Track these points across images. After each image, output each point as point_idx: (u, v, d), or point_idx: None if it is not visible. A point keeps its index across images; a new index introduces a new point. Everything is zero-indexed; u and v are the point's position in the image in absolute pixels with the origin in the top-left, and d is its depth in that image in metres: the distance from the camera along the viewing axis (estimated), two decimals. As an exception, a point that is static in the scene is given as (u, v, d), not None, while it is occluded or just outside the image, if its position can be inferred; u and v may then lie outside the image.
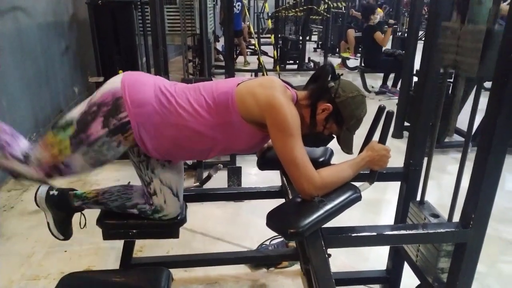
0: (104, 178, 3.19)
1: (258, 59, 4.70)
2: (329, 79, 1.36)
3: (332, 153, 1.59)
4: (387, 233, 1.25)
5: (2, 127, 1.35)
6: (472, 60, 1.22)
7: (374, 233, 1.24)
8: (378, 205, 2.82)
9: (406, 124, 4.04)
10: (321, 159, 1.54)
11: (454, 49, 1.32)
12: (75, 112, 1.34)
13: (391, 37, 6.27)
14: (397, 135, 4.07)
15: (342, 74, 1.41)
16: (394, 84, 5.69)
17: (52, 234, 1.58)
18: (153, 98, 1.29)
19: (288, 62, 7.36)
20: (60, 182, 1.57)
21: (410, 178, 1.67)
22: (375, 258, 2.14)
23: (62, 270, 2.08)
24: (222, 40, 7.46)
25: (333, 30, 7.97)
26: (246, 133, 1.32)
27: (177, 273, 2.06)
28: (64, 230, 1.60)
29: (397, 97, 4.87)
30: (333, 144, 1.45)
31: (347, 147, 1.36)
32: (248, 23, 11.28)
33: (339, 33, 8.18)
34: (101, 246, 2.26)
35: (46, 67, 4.09)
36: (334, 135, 1.40)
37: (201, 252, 2.23)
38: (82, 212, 1.60)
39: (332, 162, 1.57)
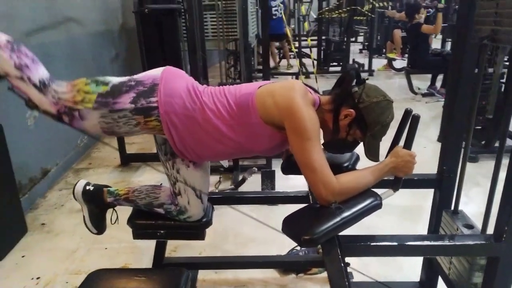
0: (147, 179, 3.33)
1: (300, 61, 4.68)
2: (354, 83, 1.33)
3: (358, 158, 1.55)
4: (408, 243, 1.19)
5: (24, 50, 1.31)
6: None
7: (395, 243, 1.19)
8: (417, 212, 2.69)
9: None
10: (345, 164, 1.51)
11: (491, 18, 1.19)
12: (115, 79, 1.37)
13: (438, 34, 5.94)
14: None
15: (367, 79, 1.38)
16: (444, 85, 5.40)
17: (87, 227, 1.67)
18: (184, 92, 1.34)
19: (331, 64, 7.24)
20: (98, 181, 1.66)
21: (443, 186, 1.58)
22: (410, 268, 2.05)
23: (101, 266, 2.18)
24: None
25: (379, 30, 7.73)
26: (265, 135, 1.32)
27: (208, 275, 2.11)
28: (97, 224, 1.68)
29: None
30: (359, 149, 1.42)
31: (372, 155, 1.32)
32: (292, 26, 11.27)
33: (386, 34, 7.91)
34: (138, 245, 2.36)
35: (97, 73, 4.33)
36: (359, 142, 1.37)
37: (232, 255, 2.26)
38: (115, 208, 1.69)
39: (358, 167, 1.53)
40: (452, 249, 1.19)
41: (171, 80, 1.36)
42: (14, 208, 2.45)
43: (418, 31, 5.37)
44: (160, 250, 1.98)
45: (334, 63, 7.21)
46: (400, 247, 1.19)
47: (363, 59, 7.30)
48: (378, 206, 1.20)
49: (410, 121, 1.28)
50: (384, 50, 8.15)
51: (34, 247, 2.39)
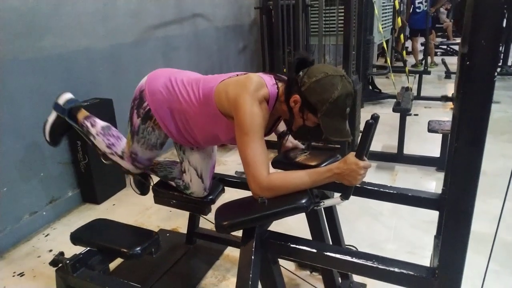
0: (232, 159, 3.66)
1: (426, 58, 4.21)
2: (298, 69, 1.32)
3: (336, 161, 1.48)
4: (328, 253, 1.13)
5: (112, 132, 1.81)
6: None
7: (314, 250, 1.15)
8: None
9: None
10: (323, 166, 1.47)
11: None
12: None
13: None
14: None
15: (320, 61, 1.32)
16: None
17: (132, 188, 2.05)
18: (163, 87, 1.54)
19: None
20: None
21: (441, 208, 1.38)
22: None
23: (159, 225, 2.62)
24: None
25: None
26: (224, 125, 1.43)
27: (234, 251, 2.29)
28: (140, 187, 2.04)
29: None
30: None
31: (331, 134, 1.27)
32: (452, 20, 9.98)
33: None
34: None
35: (220, 62, 4.90)
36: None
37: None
38: (150, 176, 2.02)
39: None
40: (376, 272, 1.08)
41: (153, 80, 1.57)
42: (118, 168, 3.09)
43: None
44: (193, 220, 2.28)
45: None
46: (319, 255, 1.14)
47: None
48: (302, 209, 1.18)
49: (364, 128, 1.19)
50: None
51: (123, 200, 3.00)
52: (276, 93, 1.38)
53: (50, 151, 2.67)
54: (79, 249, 1.46)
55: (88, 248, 1.44)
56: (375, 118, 1.19)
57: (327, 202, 1.27)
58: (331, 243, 1.74)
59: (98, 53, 3.00)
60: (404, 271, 1.05)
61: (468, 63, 0.82)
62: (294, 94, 1.30)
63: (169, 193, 1.88)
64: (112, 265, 2.04)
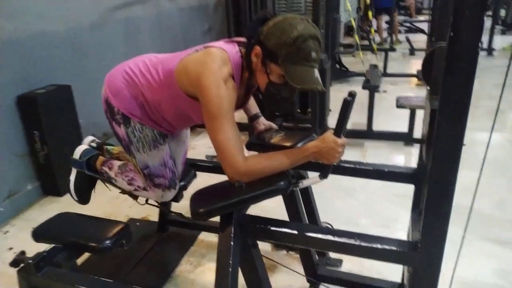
0: (203, 143, 3.57)
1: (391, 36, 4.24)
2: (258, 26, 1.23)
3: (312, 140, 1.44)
4: (308, 234, 1.10)
5: (128, 168, 1.62)
6: None
7: (295, 232, 1.12)
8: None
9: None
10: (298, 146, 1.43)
11: None
12: None
13: None
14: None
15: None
16: None
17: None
18: (123, 84, 1.43)
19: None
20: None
21: (418, 181, 1.38)
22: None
23: (128, 214, 2.53)
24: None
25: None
26: (192, 106, 1.34)
27: (208, 236, 2.24)
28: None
29: None
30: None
31: (296, 82, 1.16)
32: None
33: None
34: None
35: (185, 44, 4.71)
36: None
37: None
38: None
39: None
40: (359, 250, 1.06)
41: (111, 82, 1.45)
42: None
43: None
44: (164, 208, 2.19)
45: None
46: (300, 236, 1.11)
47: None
48: (281, 190, 1.14)
49: (342, 105, 1.15)
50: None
51: (89, 190, 2.85)
52: (240, 62, 1.28)
53: (4, 143, 2.48)
54: (43, 246, 1.36)
55: (53, 245, 1.34)
56: (352, 95, 1.16)
57: (306, 182, 1.23)
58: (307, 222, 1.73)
59: (55, 37, 2.79)
60: (387, 247, 1.04)
61: (452, 34, 0.79)
62: (254, 46, 1.21)
63: (139, 181, 1.79)
64: (81, 259, 1.94)
